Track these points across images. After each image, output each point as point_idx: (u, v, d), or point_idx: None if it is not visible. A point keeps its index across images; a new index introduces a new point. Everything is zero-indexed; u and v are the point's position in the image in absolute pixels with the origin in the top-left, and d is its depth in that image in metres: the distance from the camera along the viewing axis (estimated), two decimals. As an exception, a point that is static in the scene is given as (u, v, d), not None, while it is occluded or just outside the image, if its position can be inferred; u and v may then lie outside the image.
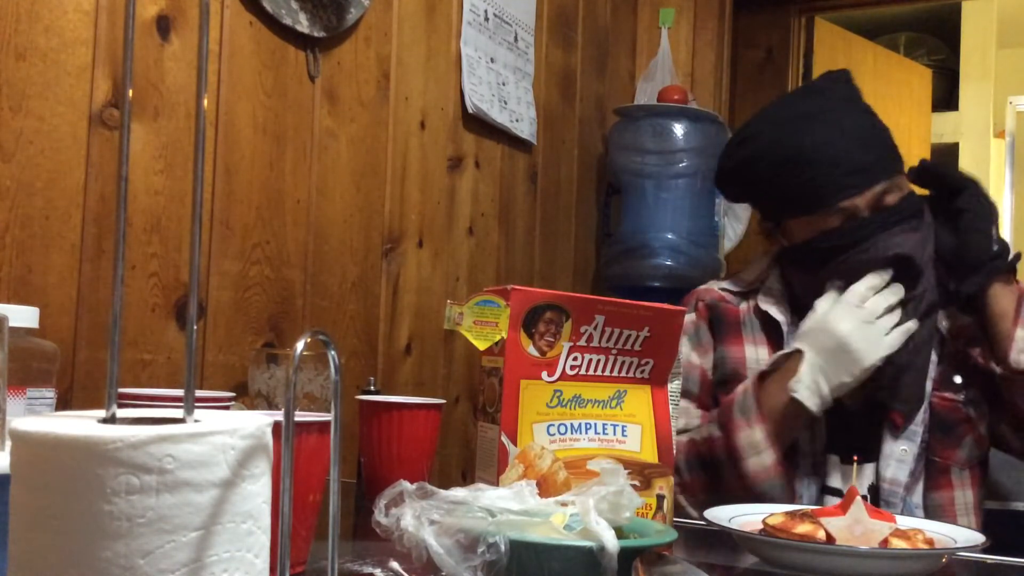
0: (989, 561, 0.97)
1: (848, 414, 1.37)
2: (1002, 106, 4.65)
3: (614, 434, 0.89)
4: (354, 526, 1.07)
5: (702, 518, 0.96)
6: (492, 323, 0.86)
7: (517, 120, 2.22)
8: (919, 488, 1.35)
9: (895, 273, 1.31)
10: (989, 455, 1.44)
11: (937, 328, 1.40)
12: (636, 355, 0.91)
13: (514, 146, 2.24)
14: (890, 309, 1.29)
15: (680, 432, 1.40)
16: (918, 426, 1.37)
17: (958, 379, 1.38)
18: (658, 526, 0.73)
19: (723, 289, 1.51)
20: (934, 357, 1.39)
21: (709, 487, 1.34)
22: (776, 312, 1.44)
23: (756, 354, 1.45)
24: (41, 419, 0.47)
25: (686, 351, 1.45)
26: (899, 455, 1.36)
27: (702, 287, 1.55)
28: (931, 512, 1.35)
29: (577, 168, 2.57)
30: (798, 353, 1.31)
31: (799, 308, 1.42)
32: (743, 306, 1.49)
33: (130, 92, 0.50)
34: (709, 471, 1.35)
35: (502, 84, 2.17)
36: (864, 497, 0.96)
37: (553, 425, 0.87)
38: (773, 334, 1.44)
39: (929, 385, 1.38)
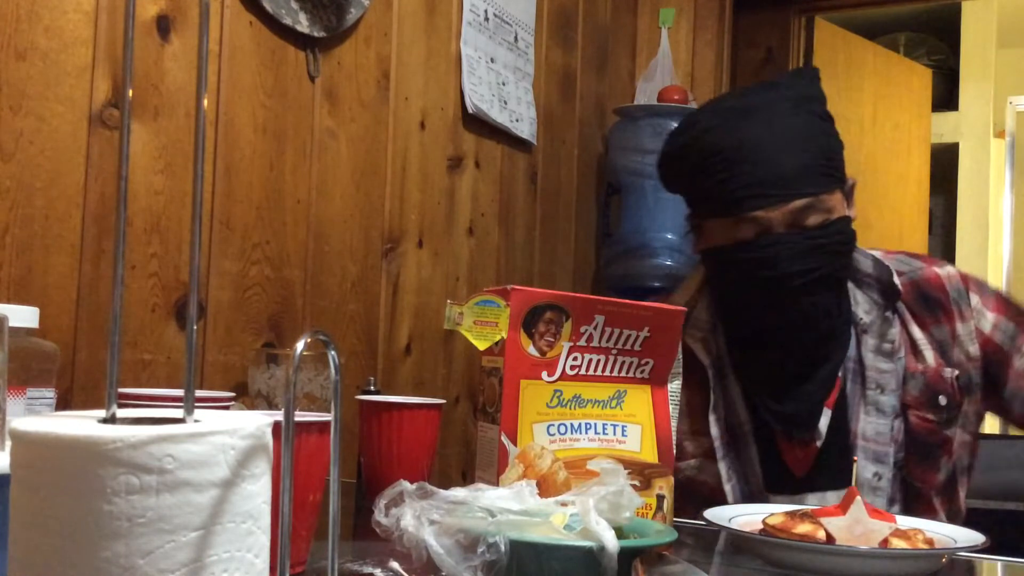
0: (989, 561, 0.97)
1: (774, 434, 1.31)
2: (1002, 106, 4.65)
3: (614, 434, 0.89)
4: (354, 526, 1.07)
5: (702, 517, 0.96)
6: (492, 323, 0.86)
7: (517, 120, 2.22)
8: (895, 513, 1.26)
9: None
10: (970, 464, 1.36)
11: (894, 343, 1.31)
12: (636, 355, 0.91)
13: (514, 146, 2.24)
14: None
15: None
16: (887, 446, 1.28)
17: (943, 400, 1.30)
18: (658, 526, 0.73)
19: None
20: (893, 366, 1.31)
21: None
22: (701, 352, 1.34)
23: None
24: (41, 419, 0.47)
25: None
26: (872, 482, 1.27)
27: None
28: None
29: (577, 168, 2.57)
30: None
31: (729, 326, 1.35)
32: None
33: (130, 92, 0.50)
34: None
35: (502, 84, 2.17)
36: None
37: (553, 425, 0.87)
38: (698, 373, 1.33)
39: (894, 399, 1.30)
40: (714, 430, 1.31)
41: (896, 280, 1.32)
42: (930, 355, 1.31)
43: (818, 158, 1.24)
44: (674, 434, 0.94)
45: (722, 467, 1.30)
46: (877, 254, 1.35)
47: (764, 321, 1.26)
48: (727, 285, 1.30)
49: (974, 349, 1.32)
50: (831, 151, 1.26)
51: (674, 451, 1.28)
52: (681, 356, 0.96)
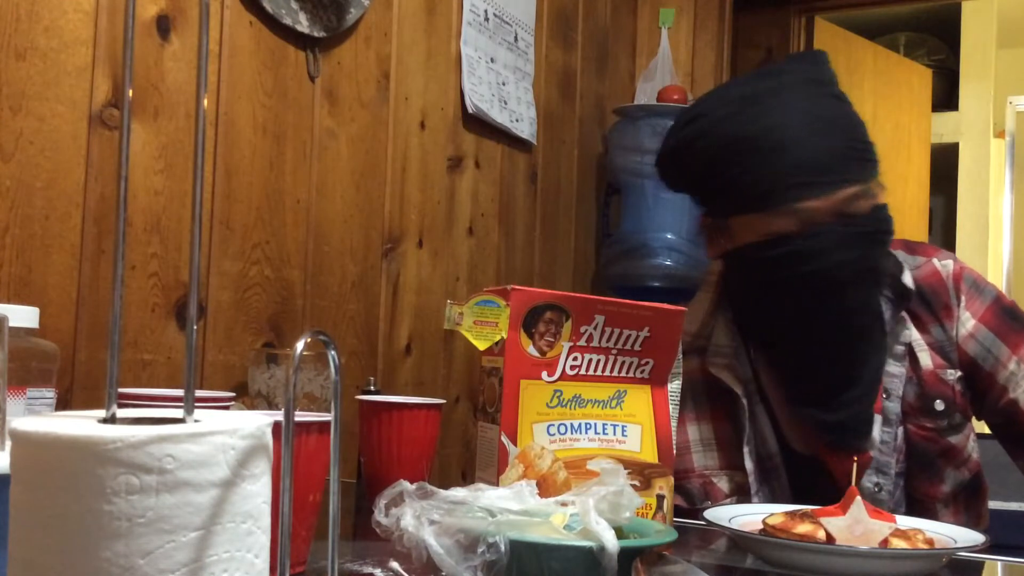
0: (989, 561, 0.97)
1: (805, 463, 1.23)
2: (1002, 106, 4.64)
3: (614, 434, 0.89)
4: (354, 526, 1.07)
5: (702, 517, 0.96)
6: (492, 323, 0.86)
7: (517, 120, 2.22)
8: None
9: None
10: (979, 474, 1.29)
11: (908, 344, 1.24)
12: (636, 355, 0.91)
13: (514, 146, 2.24)
14: None
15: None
16: (890, 456, 1.21)
17: (940, 405, 1.22)
18: (658, 526, 0.73)
19: None
20: (902, 370, 1.23)
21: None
22: (731, 380, 1.23)
23: (699, 433, 1.25)
24: (41, 419, 0.47)
25: None
26: (872, 492, 1.19)
27: None
28: None
29: (577, 168, 2.57)
30: None
31: (760, 335, 1.24)
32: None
33: (130, 92, 0.50)
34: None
35: (502, 84, 2.17)
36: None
37: (553, 425, 0.87)
38: (726, 403, 1.24)
39: (899, 407, 1.22)
40: (748, 464, 1.22)
41: (907, 279, 1.25)
42: (926, 357, 1.25)
43: (852, 141, 1.14)
44: (671, 437, 0.94)
45: (756, 502, 1.21)
46: None
47: (804, 322, 1.15)
48: (760, 288, 1.17)
49: (955, 356, 1.26)
50: (860, 132, 1.16)
51: (703, 490, 1.22)
52: (681, 356, 0.95)
